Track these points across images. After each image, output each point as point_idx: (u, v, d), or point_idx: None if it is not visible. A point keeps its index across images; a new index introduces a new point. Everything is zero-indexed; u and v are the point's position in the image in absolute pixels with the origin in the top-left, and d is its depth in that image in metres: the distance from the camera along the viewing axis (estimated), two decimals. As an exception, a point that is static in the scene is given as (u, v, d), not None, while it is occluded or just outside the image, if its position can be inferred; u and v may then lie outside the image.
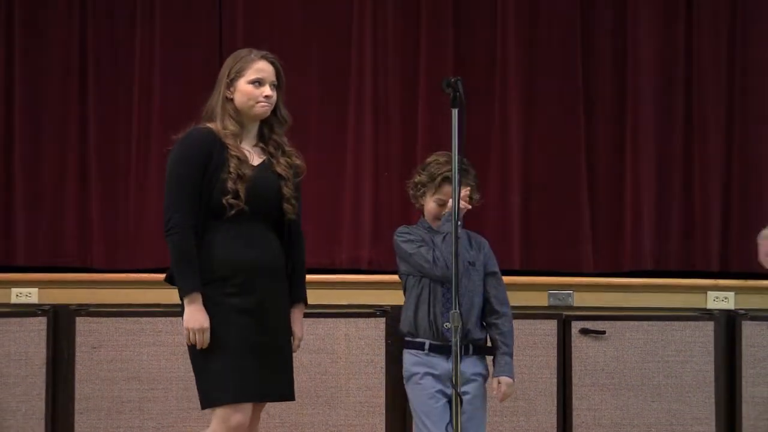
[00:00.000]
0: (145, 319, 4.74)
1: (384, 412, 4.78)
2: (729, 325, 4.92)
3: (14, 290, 4.81)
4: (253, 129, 3.63)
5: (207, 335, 3.44)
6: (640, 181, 5.28)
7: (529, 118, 5.28)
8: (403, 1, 5.28)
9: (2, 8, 5.14)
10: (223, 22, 5.23)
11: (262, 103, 3.57)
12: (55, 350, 4.72)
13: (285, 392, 3.60)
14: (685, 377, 4.89)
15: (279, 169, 3.59)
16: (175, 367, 4.68)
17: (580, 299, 4.95)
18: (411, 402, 3.80)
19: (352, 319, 4.80)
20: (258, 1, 5.26)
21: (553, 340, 4.85)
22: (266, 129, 3.64)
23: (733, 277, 5.05)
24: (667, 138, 5.32)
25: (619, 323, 4.88)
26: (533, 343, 4.83)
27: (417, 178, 3.86)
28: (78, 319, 4.73)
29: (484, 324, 3.83)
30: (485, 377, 3.81)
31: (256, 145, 3.63)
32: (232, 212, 3.47)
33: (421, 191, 3.85)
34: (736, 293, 4.97)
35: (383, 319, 4.79)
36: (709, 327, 4.91)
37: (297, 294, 3.68)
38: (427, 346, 3.74)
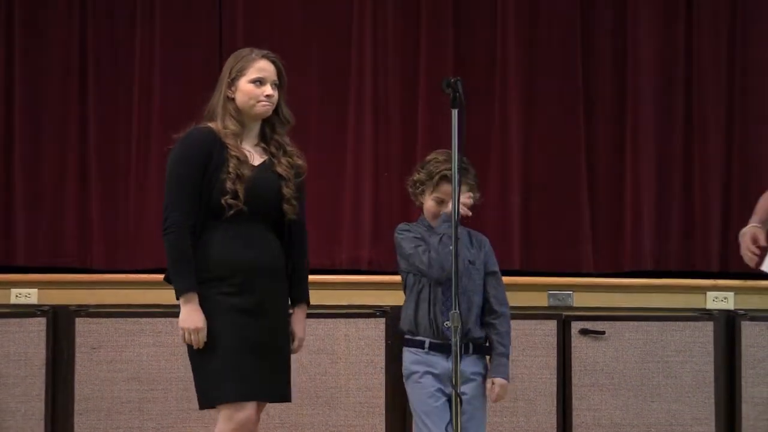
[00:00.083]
0: (144, 319, 4.74)
1: (384, 412, 4.77)
2: (729, 326, 4.91)
3: (14, 291, 4.80)
4: (255, 129, 3.62)
5: (202, 335, 3.43)
6: (640, 181, 5.28)
7: (529, 118, 5.28)
8: (403, 1, 5.28)
9: (2, 8, 5.15)
10: (223, 22, 5.23)
11: (264, 103, 3.56)
12: (54, 351, 4.71)
13: (284, 393, 3.60)
14: (685, 377, 4.88)
15: (280, 170, 3.58)
16: (175, 367, 4.68)
17: (580, 299, 4.94)
18: (411, 400, 3.80)
19: (352, 320, 4.80)
20: (258, 1, 5.26)
21: (553, 340, 4.85)
22: (268, 129, 3.63)
23: (733, 278, 5.04)
24: (667, 138, 5.32)
25: (618, 323, 4.88)
26: (533, 344, 4.82)
27: (416, 176, 3.85)
28: (77, 320, 4.72)
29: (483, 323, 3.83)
30: (485, 377, 3.80)
31: (257, 145, 3.62)
32: (231, 212, 3.46)
33: (420, 189, 3.83)
34: (735, 293, 4.96)
35: (383, 320, 4.78)
36: (708, 327, 4.90)
37: (299, 294, 3.67)
38: (427, 345, 3.74)
